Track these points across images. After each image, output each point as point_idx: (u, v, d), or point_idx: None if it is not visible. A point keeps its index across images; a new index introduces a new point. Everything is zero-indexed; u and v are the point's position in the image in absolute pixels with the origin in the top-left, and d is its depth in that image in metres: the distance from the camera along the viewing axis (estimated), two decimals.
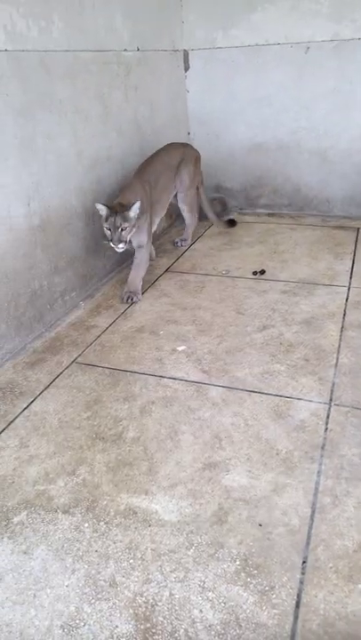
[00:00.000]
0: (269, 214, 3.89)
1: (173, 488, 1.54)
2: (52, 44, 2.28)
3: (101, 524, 1.44)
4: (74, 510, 1.48)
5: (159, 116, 3.43)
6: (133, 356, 2.21)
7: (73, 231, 2.60)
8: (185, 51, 3.66)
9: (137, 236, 2.62)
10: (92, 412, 1.88)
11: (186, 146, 3.21)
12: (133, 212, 2.47)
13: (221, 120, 3.76)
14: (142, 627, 1.18)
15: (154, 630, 1.17)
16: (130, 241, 2.57)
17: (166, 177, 2.95)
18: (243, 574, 1.28)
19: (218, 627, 1.17)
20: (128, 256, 3.16)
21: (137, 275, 2.73)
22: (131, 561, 1.33)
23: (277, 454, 1.64)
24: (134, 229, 2.54)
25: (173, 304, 2.64)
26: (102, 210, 2.48)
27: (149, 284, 2.86)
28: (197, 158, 3.23)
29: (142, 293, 2.73)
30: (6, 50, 2.03)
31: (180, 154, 3.09)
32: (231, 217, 3.72)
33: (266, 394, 1.92)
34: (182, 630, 1.17)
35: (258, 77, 3.56)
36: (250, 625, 1.17)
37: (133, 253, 2.75)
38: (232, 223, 3.62)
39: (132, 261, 2.75)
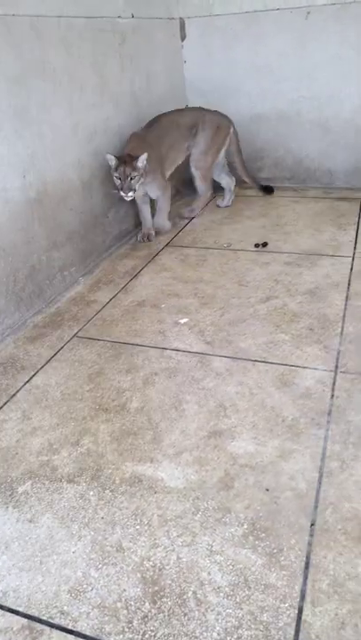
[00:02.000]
0: None
1: (179, 456, 1.53)
2: (43, 9, 2.22)
3: (107, 491, 1.43)
4: (79, 479, 1.48)
5: (156, 88, 3.36)
6: (135, 330, 2.19)
7: (71, 205, 2.57)
8: (181, 19, 3.57)
9: (152, 189, 2.87)
10: (95, 384, 1.87)
11: (208, 112, 3.20)
12: (141, 162, 2.65)
13: (220, 91, 3.68)
14: (150, 590, 1.18)
15: (162, 593, 1.17)
16: (145, 193, 2.86)
17: (174, 136, 3.04)
18: (251, 537, 1.28)
19: (227, 588, 1.17)
20: (127, 232, 3.13)
21: (162, 210, 3.07)
22: (137, 527, 1.33)
23: (283, 421, 1.63)
24: (142, 179, 2.70)
25: (174, 278, 2.61)
26: (111, 160, 2.65)
27: (150, 258, 2.83)
28: (220, 127, 3.20)
29: (141, 269, 2.70)
30: None
31: (195, 117, 3.14)
32: (269, 185, 3.67)
33: (270, 363, 1.90)
34: (191, 592, 1.17)
35: (257, 45, 3.48)
36: (259, 586, 1.17)
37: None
38: (268, 190, 3.62)
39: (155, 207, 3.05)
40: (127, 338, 2.13)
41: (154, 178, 2.85)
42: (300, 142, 3.67)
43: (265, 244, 2.87)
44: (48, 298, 2.45)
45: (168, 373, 1.89)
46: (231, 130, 3.27)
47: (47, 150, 2.34)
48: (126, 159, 2.64)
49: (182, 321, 2.22)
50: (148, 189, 2.89)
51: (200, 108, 3.23)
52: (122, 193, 2.65)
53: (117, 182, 2.66)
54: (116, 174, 2.65)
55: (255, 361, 1.92)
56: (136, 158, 2.63)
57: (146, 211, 3.05)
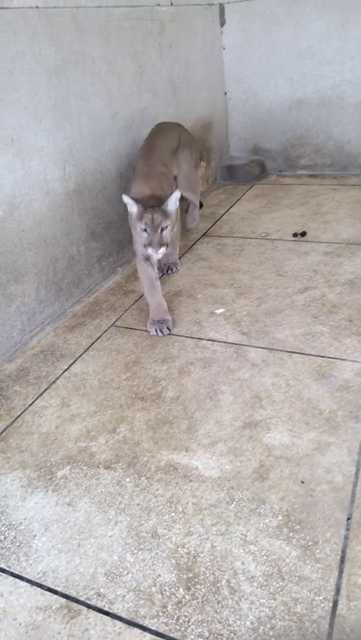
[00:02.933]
0: (311, 175, 3.75)
1: (213, 446, 1.53)
2: (83, 0, 2.23)
3: (142, 479, 1.46)
4: (115, 466, 1.51)
5: (194, 75, 3.33)
6: (171, 319, 2.19)
7: (109, 196, 2.59)
8: (220, 4, 3.51)
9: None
10: (132, 372, 1.89)
11: (180, 126, 2.67)
12: (173, 203, 1.99)
13: (259, 77, 3.62)
14: (185, 576, 1.20)
15: (196, 580, 1.19)
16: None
17: (171, 159, 2.45)
18: (285, 529, 1.27)
19: (260, 578, 1.17)
20: None
21: (174, 247, 2.48)
22: (172, 514, 1.34)
23: (320, 414, 1.61)
24: (175, 228, 2.06)
25: (211, 267, 2.60)
26: (131, 205, 1.97)
27: (186, 248, 2.83)
28: (193, 142, 2.72)
29: (179, 258, 2.70)
30: (37, 7, 1.99)
31: (177, 135, 2.57)
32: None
33: (308, 355, 1.88)
34: (224, 581, 1.18)
35: (298, 28, 3.39)
36: (293, 578, 1.17)
37: None
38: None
39: None
40: None
41: (176, 220, 2.15)
42: (341, 127, 3.56)
43: (304, 234, 2.82)
44: (87, 287, 2.49)
45: (203, 363, 1.90)
46: None
47: (86, 141, 2.36)
48: (153, 202, 1.95)
49: (218, 311, 2.22)
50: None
51: (176, 124, 2.67)
52: (150, 250, 1.94)
53: (144, 236, 1.95)
54: (141, 225, 1.94)
55: (292, 352, 1.90)
56: (165, 199, 1.96)
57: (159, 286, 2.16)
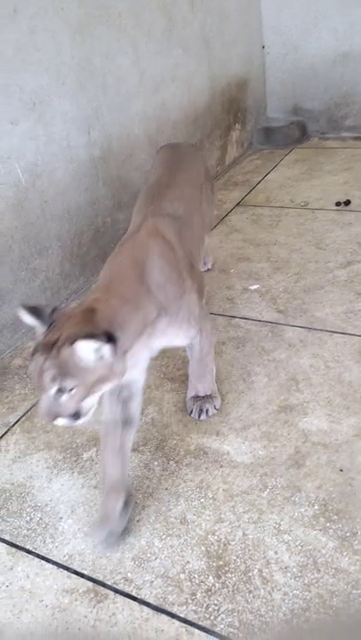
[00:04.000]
0: (356, 138, 3.63)
1: (246, 430, 1.54)
2: None
3: (171, 462, 1.48)
4: (143, 449, 1.54)
5: (229, 28, 3.23)
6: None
7: (136, 163, 2.57)
8: None
9: (184, 327, 1.42)
10: (160, 352, 1.90)
11: (199, 151, 2.09)
12: (89, 352, 1.06)
13: (300, 27, 3.49)
14: (215, 564, 1.22)
15: (227, 568, 1.21)
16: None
17: (197, 206, 1.73)
18: (322, 519, 1.28)
19: (294, 569, 1.19)
20: None
21: (205, 370, 1.61)
22: (202, 500, 1.37)
23: None
24: (105, 385, 1.12)
25: (245, 240, 2.57)
26: (35, 326, 1.14)
27: (219, 219, 2.80)
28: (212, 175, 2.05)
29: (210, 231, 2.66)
30: None
31: (202, 165, 1.94)
32: None
33: (350, 334, 1.85)
34: (256, 570, 1.20)
35: None
36: (329, 570, 1.18)
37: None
38: None
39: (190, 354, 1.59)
40: None
41: (192, 302, 1.42)
42: None
43: (348, 203, 2.75)
44: None
45: (236, 343, 1.90)
46: None
47: (112, 103, 2.34)
48: (74, 329, 1.07)
49: (253, 287, 2.20)
50: (182, 332, 1.44)
51: (194, 148, 2.08)
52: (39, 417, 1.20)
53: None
54: (30, 366, 1.10)
55: (333, 332, 1.88)
56: (86, 336, 1.05)
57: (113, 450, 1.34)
